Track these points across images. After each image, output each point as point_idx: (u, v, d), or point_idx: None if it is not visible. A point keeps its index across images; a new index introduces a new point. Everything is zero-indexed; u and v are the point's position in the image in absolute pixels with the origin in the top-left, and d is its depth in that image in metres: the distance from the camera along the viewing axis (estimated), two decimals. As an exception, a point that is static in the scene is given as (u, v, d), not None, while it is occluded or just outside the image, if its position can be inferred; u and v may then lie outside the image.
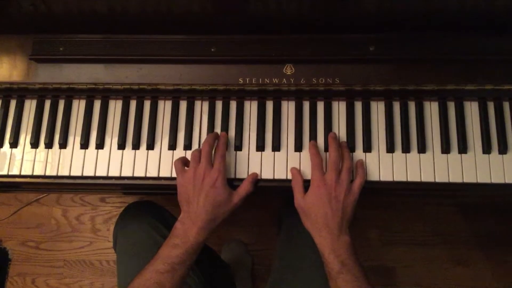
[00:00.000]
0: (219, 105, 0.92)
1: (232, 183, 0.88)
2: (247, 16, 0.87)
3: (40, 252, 1.70)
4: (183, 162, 0.87)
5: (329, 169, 0.83)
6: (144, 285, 0.75)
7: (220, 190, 0.81)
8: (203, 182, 0.81)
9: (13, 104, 0.94)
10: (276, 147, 0.89)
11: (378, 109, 0.91)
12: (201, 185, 0.81)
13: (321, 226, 0.80)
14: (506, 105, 0.90)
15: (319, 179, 0.82)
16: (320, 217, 0.80)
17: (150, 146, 0.91)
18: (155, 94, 0.92)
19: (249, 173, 0.88)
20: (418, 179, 0.87)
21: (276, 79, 0.87)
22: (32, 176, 0.91)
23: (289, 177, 0.88)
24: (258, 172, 0.88)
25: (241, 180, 0.87)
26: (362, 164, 0.87)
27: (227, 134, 0.90)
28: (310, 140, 0.89)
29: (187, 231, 0.80)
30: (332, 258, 0.77)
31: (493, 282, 1.60)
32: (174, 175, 0.89)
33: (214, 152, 0.86)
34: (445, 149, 0.88)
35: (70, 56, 0.89)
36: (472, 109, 0.90)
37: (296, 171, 0.87)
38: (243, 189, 0.85)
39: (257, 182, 0.88)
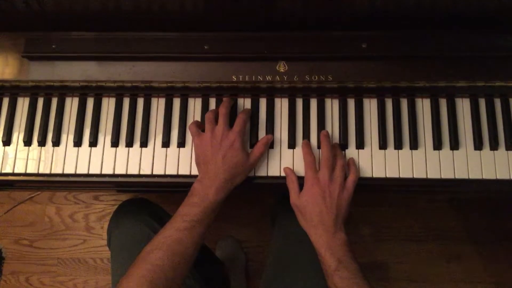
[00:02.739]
0: (212, 102, 0.93)
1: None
2: (240, 13, 0.87)
3: (33, 250, 1.70)
4: (197, 125, 0.88)
5: (322, 166, 0.83)
6: (165, 243, 0.76)
7: (238, 151, 0.83)
8: (221, 143, 0.83)
9: (5, 102, 0.94)
10: (270, 144, 0.89)
11: (370, 106, 0.92)
12: (219, 146, 0.83)
13: (316, 224, 0.81)
14: (497, 101, 0.91)
15: (312, 177, 0.83)
16: (315, 215, 0.81)
17: (144, 144, 0.91)
18: (148, 91, 0.92)
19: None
20: (410, 176, 0.88)
21: (269, 77, 0.88)
22: (25, 174, 0.90)
23: (283, 174, 0.88)
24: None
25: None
26: (354, 162, 0.88)
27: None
28: (303, 137, 0.90)
29: (205, 190, 0.81)
30: (328, 255, 0.78)
31: (485, 277, 1.61)
32: (168, 172, 0.89)
33: (236, 117, 0.87)
34: (437, 145, 0.88)
35: (62, 54, 0.88)
36: (463, 106, 0.91)
37: (290, 170, 0.87)
38: (258, 150, 0.86)
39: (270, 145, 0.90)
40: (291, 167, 0.88)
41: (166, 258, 0.74)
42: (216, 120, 0.86)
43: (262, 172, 0.89)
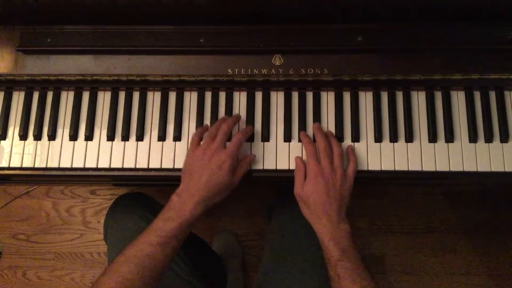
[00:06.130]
0: (208, 96, 0.92)
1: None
2: (236, 6, 0.87)
3: (30, 244, 1.70)
4: (200, 135, 0.87)
5: (322, 157, 0.84)
6: (136, 256, 0.75)
7: (225, 172, 0.81)
8: (210, 160, 0.81)
9: (0, 96, 0.93)
10: (266, 138, 0.90)
11: (366, 99, 0.92)
12: (208, 162, 0.81)
13: (320, 215, 0.81)
14: (492, 94, 0.91)
15: (316, 168, 0.83)
16: (320, 205, 0.81)
17: (140, 138, 0.91)
18: (144, 85, 0.92)
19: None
20: (405, 168, 0.88)
21: (265, 70, 0.88)
22: (21, 168, 0.90)
23: (279, 167, 0.89)
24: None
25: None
26: (352, 150, 0.88)
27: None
28: (299, 130, 0.90)
29: (183, 204, 0.80)
30: (332, 245, 0.78)
31: (480, 269, 1.62)
32: (164, 166, 0.89)
33: (233, 135, 0.86)
34: (432, 138, 0.89)
35: (58, 48, 0.88)
36: (458, 99, 0.91)
37: (300, 160, 0.87)
38: (241, 171, 0.85)
39: (252, 172, 0.89)
40: (287, 160, 0.89)
41: (137, 272, 0.73)
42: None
43: (258, 166, 0.89)
